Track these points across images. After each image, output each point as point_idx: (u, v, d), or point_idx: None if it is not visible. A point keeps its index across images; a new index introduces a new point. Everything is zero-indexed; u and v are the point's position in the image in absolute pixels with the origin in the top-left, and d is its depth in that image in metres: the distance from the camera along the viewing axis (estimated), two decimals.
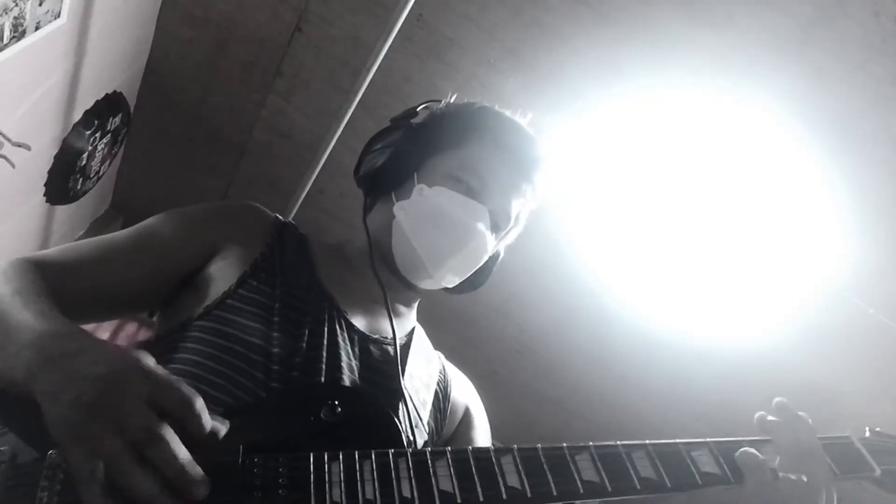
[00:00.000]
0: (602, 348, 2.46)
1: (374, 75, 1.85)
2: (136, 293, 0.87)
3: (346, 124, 1.98)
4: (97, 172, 2.47)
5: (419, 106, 1.00)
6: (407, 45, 1.96)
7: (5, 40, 1.49)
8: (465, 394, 1.02)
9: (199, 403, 0.58)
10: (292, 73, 2.20)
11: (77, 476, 0.52)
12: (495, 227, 0.95)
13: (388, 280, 0.94)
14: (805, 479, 0.69)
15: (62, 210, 2.43)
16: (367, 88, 1.88)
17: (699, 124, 1.81)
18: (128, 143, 2.61)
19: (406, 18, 1.73)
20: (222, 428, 0.60)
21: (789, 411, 0.78)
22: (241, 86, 2.30)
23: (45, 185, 2.19)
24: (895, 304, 1.93)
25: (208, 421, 0.58)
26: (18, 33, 1.51)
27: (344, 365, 0.81)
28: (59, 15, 1.63)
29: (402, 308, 1.00)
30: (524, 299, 2.38)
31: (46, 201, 2.27)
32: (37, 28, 1.57)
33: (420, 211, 0.92)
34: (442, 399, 0.96)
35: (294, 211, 2.30)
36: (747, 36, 1.64)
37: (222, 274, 0.86)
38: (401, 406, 0.82)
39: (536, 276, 2.26)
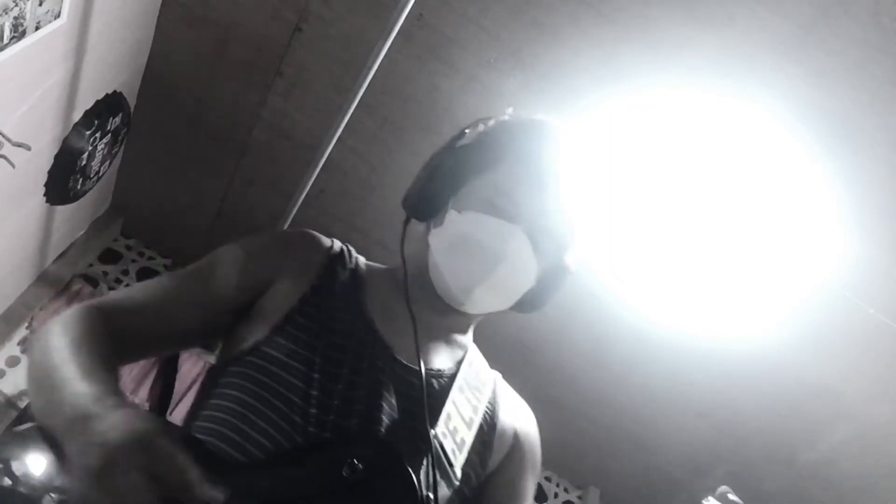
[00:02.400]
0: (602, 348, 2.46)
1: (374, 75, 1.85)
2: (198, 330, 0.90)
3: (346, 124, 1.98)
4: (97, 172, 2.47)
5: (468, 127, 0.99)
6: (407, 45, 1.96)
7: (5, 40, 1.49)
8: (515, 420, 0.98)
9: (194, 476, 0.58)
10: (292, 73, 2.20)
11: None
12: (538, 247, 0.91)
13: (436, 305, 0.93)
14: None
15: (62, 210, 2.43)
16: (367, 88, 1.88)
17: (699, 124, 1.81)
18: (128, 143, 2.61)
19: (406, 18, 1.73)
20: (220, 498, 0.60)
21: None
22: (241, 86, 2.30)
23: (45, 185, 2.19)
24: (895, 304, 1.93)
25: (202, 493, 0.58)
26: (18, 33, 1.51)
27: (380, 407, 0.81)
28: (59, 15, 1.63)
29: (454, 335, 0.98)
30: None
31: (46, 201, 2.27)
32: (37, 28, 1.57)
33: (449, 239, 0.91)
34: (487, 430, 0.93)
35: (294, 211, 2.30)
36: (747, 36, 1.65)
37: (273, 307, 0.88)
38: (427, 457, 0.81)
39: None
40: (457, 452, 0.85)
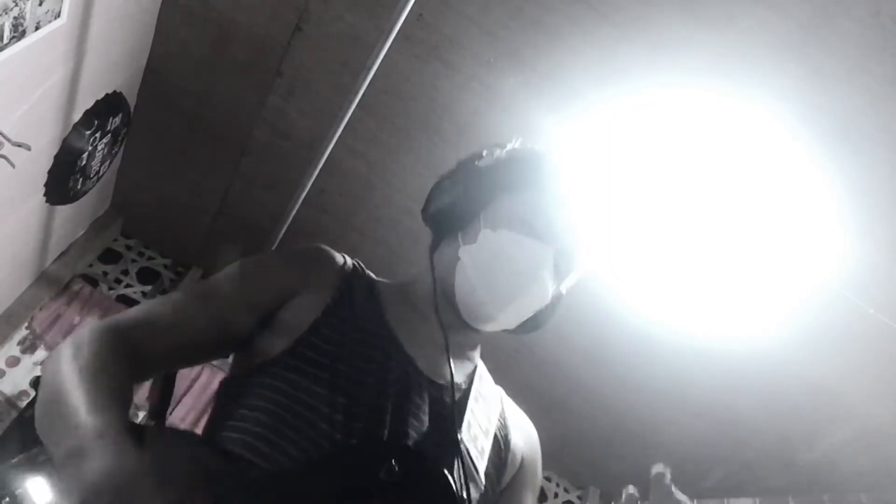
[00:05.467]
0: (602, 348, 2.46)
1: (374, 75, 1.85)
2: (214, 346, 0.90)
3: (346, 124, 1.98)
4: (97, 172, 2.47)
5: (485, 150, 1.02)
6: (407, 45, 1.96)
7: (5, 40, 1.49)
8: (522, 438, 1.02)
9: None
10: (292, 73, 2.20)
11: None
12: (557, 269, 0.96)
13: (451, 322, 0.95)
14: None
15: (62, 210, 2.43)
16: (367, 88, 1.89)
17: (699, 124, 1.81)
18: (128, 143, 2.61)
19: (406, 18, 1.73)
20: None
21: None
22: (241, 86, 2.30)
23: (45, 185, 2.19)
24: (895, 304, 1.93)
25: None
26: (18, 33, 1.51)
27: (408, 416, 0.83)
28: (59, 15, 1.63)
29: (466, 350, 1.00)
30: None
31: (46, 201, 2.27)
32: (37, 28, 1.57)
33: (485, 255, 0.93)
34: (503, 447, 0.97)
35: (294, 211, 2.30)
36: (747, 36, 1.65)
37: (294, 319, 0.88)
38: (456, 463, 0.84)
39: None
40: (479, 459, 0.89)
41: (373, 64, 1.81)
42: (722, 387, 2.38)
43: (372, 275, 1.01)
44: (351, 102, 1.91)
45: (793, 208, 1.85)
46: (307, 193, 2.21)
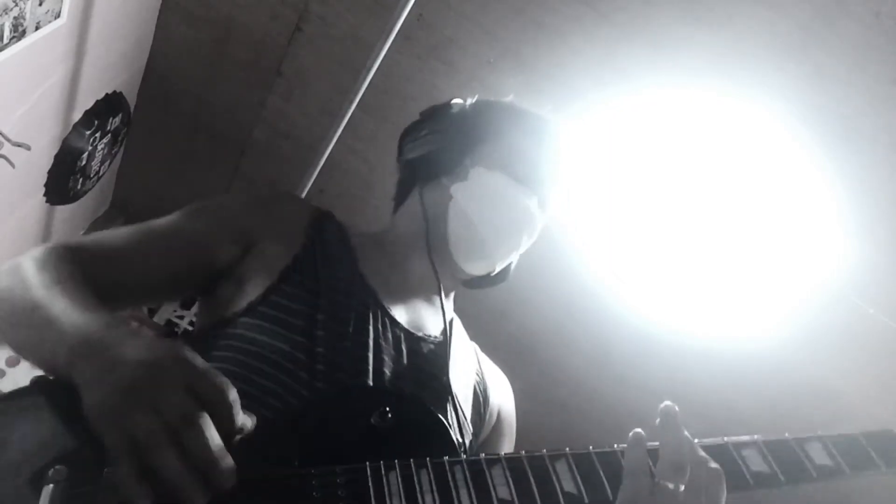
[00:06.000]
0: (602, 348, 2.45)
1: (374, 75, 1.85)
2: (171, 283, 0.85)
3: (346, 124, 1.98)
4: (97, 172, 2.47)
5: (450, 101, 1.03)
6: (407, 45, 1.95)
7: (5, 40, 1.49)
8: (500, 397, 1.01)
9: (233, 395, 0.57)
10: (292, 73, 2.20)
11: (116, 457, 0.52)
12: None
13: (430, 270, 0.94)
14: (682, 488, 0.66)
15: (62, 210, 2.43)
16: (367, 88, 1.88)
17: (699, 124, 1.81)
18: (128, 143, 2.61)
19: (406, 18, 1.73)
20: (249, 422, 0.59)
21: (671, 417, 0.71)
22: (241, 86, 2.30)
23: (45, 185, 2.19)
24: (895, 303, 1.93)
25: (239, 413, 0.57)
26: (18, 33, 1.51)
27: (389, 366, 0.81)
28: (59, 15, 1.63)
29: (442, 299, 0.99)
30: (524, 299, 2.38)
31: (46, 201, 2.27)
32: (37, 28, 1.57)
33: (481, 192, 0.92)
34: (482, 401, 0.95)
35: None
36: (747, 35, 1.65)
37: (263, 267, 0.84)
38: (448, 407, 0.82)
39: (536, 275, 2.26)
40: (466, 406, 0.88)
41: (373, 64, 1.81)
42: (722, 387, 2.37)
43: (345, 224, 0.98)
44: (351, 102, 1.91)
45: (793, 208, 1.85)
46: (307, 193, 2.21)
